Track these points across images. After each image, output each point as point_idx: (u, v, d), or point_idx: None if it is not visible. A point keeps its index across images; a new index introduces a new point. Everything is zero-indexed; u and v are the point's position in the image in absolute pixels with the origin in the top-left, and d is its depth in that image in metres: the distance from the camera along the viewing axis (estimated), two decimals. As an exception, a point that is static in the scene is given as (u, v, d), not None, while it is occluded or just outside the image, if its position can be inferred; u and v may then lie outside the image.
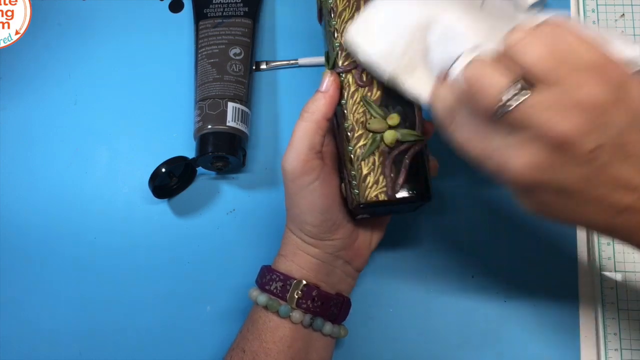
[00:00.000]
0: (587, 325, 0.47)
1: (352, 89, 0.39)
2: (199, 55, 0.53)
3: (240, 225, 0.52)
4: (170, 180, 0.52)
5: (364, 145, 0.39)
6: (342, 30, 0.39)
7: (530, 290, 0.48)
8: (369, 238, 0.44)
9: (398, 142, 0.38)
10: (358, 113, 0.39)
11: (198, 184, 0.53)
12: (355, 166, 0.39)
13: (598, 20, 0.55)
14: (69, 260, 0.52)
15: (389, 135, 0.38)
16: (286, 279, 0.41)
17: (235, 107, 0.51)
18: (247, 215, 0.52)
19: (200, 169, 0.53)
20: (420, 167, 0.39)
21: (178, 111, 0.55)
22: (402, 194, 0.38)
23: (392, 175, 0.38)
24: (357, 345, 0.48)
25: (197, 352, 0.49)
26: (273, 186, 0.53)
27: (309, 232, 0.41)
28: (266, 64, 0.56)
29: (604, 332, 0.46)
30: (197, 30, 0.55)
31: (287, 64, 0.56)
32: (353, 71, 0.39)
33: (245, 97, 0.52)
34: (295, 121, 0.54)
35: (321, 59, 0.55)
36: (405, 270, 0.49)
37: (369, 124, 0.39)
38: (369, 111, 0.39)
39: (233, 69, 0.52)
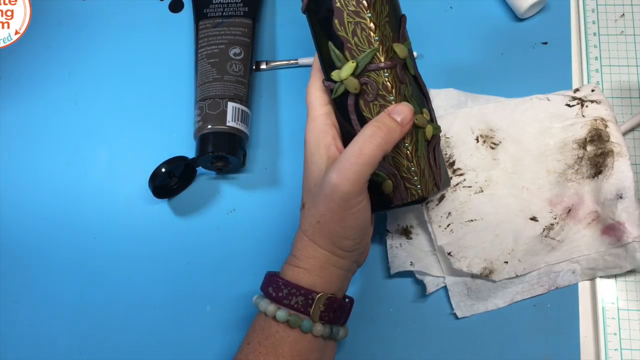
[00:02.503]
0: (587, 325, 0.47)
1: (397, 85, 0.38)
2: (199, 55, 0.53)
3: (240, 225, 0.52)
4: (170, 180, 0.52)
5: (416, 141, 0.40)
6: (379, 25, 0.37)
7: (530, 290, 0.48)
8: (371, 232, 0.44)
9: (433, 136, 0.41)
10: None
11: (198, 184, 0.53)
12: (415, 162, 0.40)
13: (598, 20, 0.55)
14: (69, 260, 0.52)
15: (429, 130, 0.40)
16: (308, 294, 0.39)
17: (235, 107, 0.51)
18: (247, 215, 0.52)
19: (200, 169, 0.53)
20: (441, 156, 0.42)
21: (178, 111, 0.55)
22: (442, 183, 0.42)
23: (436, 167, 0.41)
24: (358, 346, 0.48)
25: (197, 351, 0.49)
26: (273, 186, 0.53)
27: (344, 246, 0.39)
28: (266, 64, 0.56)
29: (604, 332, 0.46)
30: (197, 30, 0.55)
31: (287, 64, 0.56)
32: (397, 67, 0.38)
33: (245, 97, 0.52)
34: (295, 122, 0.54)
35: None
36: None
37: (416, 120, 0.39)
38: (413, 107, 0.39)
39: (233, 69, 0.52)
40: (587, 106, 0.49)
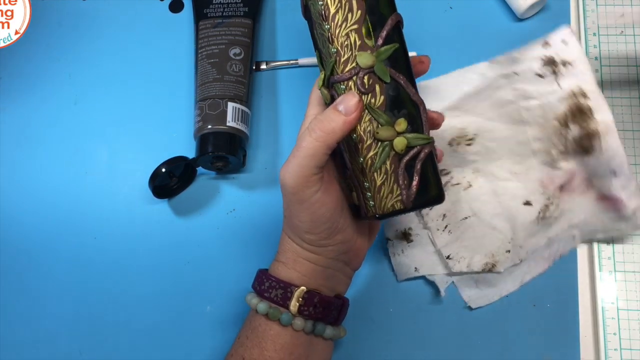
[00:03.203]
0: (587, 325, 0.47)
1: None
2: (199, 55, 0.53)
3: (240, 225, 0.52)
4: (170, 180, 0.52)
5: (375, 155, 0.38)
6: (338, 35, 0.37)
7: (530, 290, 0.48)
8: (367, 237, 0.44)
9: (408, 147, 0.38)
10: (365, 122, 0.37)
11: (198, 184, 0.53)
12: (368, 177, 0.38)
13: (598, 20, 0.55)
14: (69, 260, 0.52)
15: (399, 143, 0.37)
16: (287, 287, 0.40)
17: (235, 107, 0.51)
18: (247, 215, 0.52)
19: (200, 169, 0.53)
20: (431, 169, 0.38)
21: (178, 111, 0.55)
22: (418, 200, 0.38)
23: (405, 182, 0.37)
24: (357, 346, 0.48)
25: (197, 351, 0.49)
26: (273, 186, 0.53)
27: (309, 240, 0.40)
28: (266, 64, 0.56)
29: (604, 332, 0.46)
30: (197, 30, 0.55)
31: (287, 64, 0.56)
32: (354, 78, 0.37)
33: (245, 97, 0.52)
34: (295, 122, 0.54)
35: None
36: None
37: (377, 133, 0.37)
38: (375, 119, 0.37)
39: (233, 69, 0.52)
40: (562, 73, 0.46)
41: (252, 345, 0.40)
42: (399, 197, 0.37)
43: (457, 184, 0.48)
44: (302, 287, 0.40)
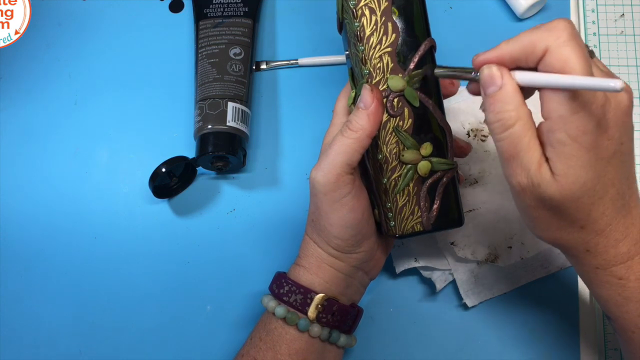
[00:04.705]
0: (587, 325, 0.47)
1: (384, 118, 0.38)
2: (199, 55, 0.53)
3: (240, 225, 0.52)
4: (170, 180, 0.52)
5: (399, 177, 0.38)
6: (371, 57, 0.37)
7: (530, 290, 0.48)
8: (385, 247, 0.44)
9: (432, 171, 0.38)
10: (391, 144, 0.38)
11: (198, 184, 0.53)
12: (391, 198, 0.39)
13: (598, 20, 0.55)
14: (70, 260, 0.52)
15: (423, 166, 0.38)
16: (307, 292, 0.39)
17: (235, 107, 0.51)
18: (247, 215, 0.52)
19: (200, 169, 0.53)
20: (453, 194, 0.39)
21: (178, 111, 0.55)
22: (437, 223, 0.39)
23: (426, 205, 0.39)
24: (357, 346, 0.48)
25: (197, 351, 0.49)
26: (273, 186, 0.53)
27: (336, 246, 0.40)
28: (266, 64, 0.56)
29: (604, 332, 0.46)
30: (197, 30, 0.55)
31: (287, 64, 0.56)
32: (384, 100, 0.38)
33: (245, 97, 0.52)
34: (295, 122, 0.54)
35: (321, 59, 0.55)
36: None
37: (402, 155, 0.38)
38: (401, 142, 0.38)
39: (233, 69, 0.52)
40: None
41: (266, 347, 0.40)
42: (419, 219, 0.39)
43: (464, 179, 0.49)
44: (322, 294, 0.39)
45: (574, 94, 0.30)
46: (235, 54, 0.53)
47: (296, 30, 0.57)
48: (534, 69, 0.32)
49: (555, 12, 0.56)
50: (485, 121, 0.33)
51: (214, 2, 0.55)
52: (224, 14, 0.55)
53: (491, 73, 0.32)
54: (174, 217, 0.53)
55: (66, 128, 0.56)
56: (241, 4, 0.55)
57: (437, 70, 0.37)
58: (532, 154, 0.32)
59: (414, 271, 0.48)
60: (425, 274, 0.48)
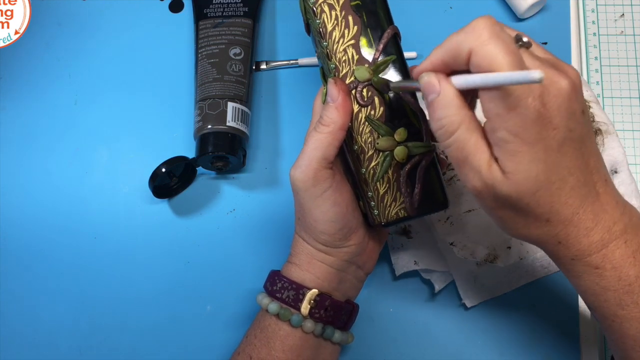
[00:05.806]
0: (587, 325, 0.47)
1: (355, 109, 0.38)
2: (199, 55, 0.53)
3: (240, 225, 0.52)
4: (170, 180, 0.52)
5: (376, 165, 0.39)
6: (335, 51, 0.38)
7: (530, 290, 0.48)
8: (378, 239, 0.44)
9: (409, 156, 0.38)
10: (365, 134, 0.38)
11: (198, 184, 0.53)
12: (371, 187, 0.39)
13: (598, 20, 0.55)
14: (70, 260, 0.52)
15: (400, 152, 0.38)
16: (299, 288, 0.40)
17: (235, 107, 0.51)
18: (247, 215, 0.52)
19: (200, 169, 0.53)
20: (434, 176, 0.39)
21: (178, 111, 0.55)
22: (421, 207, 0.39)
23: (408, 190, 0.38)
24: (357, 346, 0.48)
25: (197, 351, 0.49)
26: (273, 186, 0.53)
27: (324, 241, 0.40)
28: (266, 64, 0.56)
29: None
30: (197, 30, 0.55)
31: (287, 64, 0.56)
32: (353, 92, 0.38)
33: (245, 97, 0.52)
34: (295, 122, 0.54)
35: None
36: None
37: (377, 143, 0.38)
38: (375, 130, 0.38)
39: (233, 69, 0.52)
40: None
41: (261, 344, 0.40)
42: (403, 205, 0.39)
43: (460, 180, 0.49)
44: (314, 290, 0.40)
45: (506, 91, 0.29)
46: (235, 54, 0.53)
47: (296, 30, 0.57)
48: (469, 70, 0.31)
49: (555, 12, 0.56)
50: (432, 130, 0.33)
51: (214, 2, 0.55)
52: (224, 14, 0.55)
53: (429, 80, 0.32)
54: (174, 217, 0.53)
55: (66, 128, 0.56)
56: (241, 4, 0.55)
57: (391, 85, 0.37)
58: (480, 155, 0.31)
59: (413, 272, 0.48)
60: (425, 274, 0.48)
